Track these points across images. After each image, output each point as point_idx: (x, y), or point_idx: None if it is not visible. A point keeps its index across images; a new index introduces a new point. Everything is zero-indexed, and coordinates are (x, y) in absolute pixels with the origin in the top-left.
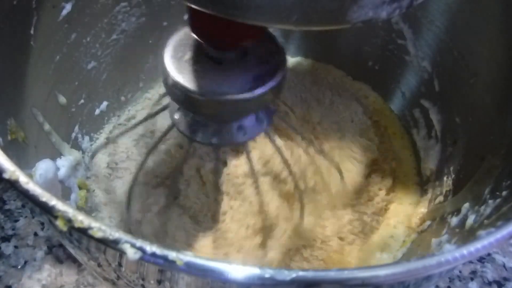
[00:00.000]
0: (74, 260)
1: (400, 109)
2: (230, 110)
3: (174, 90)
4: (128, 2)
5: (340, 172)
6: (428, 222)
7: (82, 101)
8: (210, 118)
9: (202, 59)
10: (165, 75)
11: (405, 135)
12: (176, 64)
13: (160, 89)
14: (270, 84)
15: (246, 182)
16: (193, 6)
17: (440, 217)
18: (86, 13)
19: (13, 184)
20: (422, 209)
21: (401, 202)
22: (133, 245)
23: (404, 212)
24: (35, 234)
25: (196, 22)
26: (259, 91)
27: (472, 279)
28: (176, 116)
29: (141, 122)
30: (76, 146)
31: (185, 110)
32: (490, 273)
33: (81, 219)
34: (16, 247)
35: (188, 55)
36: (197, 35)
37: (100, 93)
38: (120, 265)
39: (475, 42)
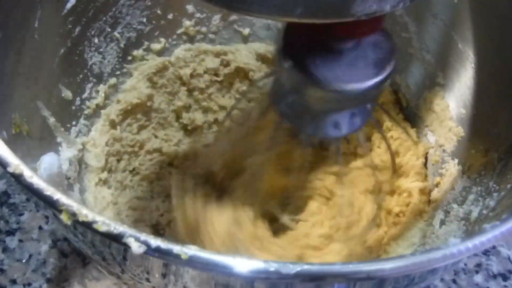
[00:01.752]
0: (78, 254)
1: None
2: (347, 100)
3: (291, 76)
4: None
5: None
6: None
7: (86, 94)
8: (320, 108)
9: (318, 48)
10: (281, 61)
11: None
12: (292, 51)
13: None
14: (386, 73)
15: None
16: None
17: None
18: (91, 6)
19: (17, 178)
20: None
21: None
22: (137, 239)
23: None
24: (40, 228)
25: None
26: (380, 77)
27: (477, 272)
28: (282, 106)
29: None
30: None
31: (291, 103)
32: (495, 266)
33: (86, 213)
34: (20, 240)
35: (303, 43)
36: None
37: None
38: (124, 259)
39: (479, 35)
